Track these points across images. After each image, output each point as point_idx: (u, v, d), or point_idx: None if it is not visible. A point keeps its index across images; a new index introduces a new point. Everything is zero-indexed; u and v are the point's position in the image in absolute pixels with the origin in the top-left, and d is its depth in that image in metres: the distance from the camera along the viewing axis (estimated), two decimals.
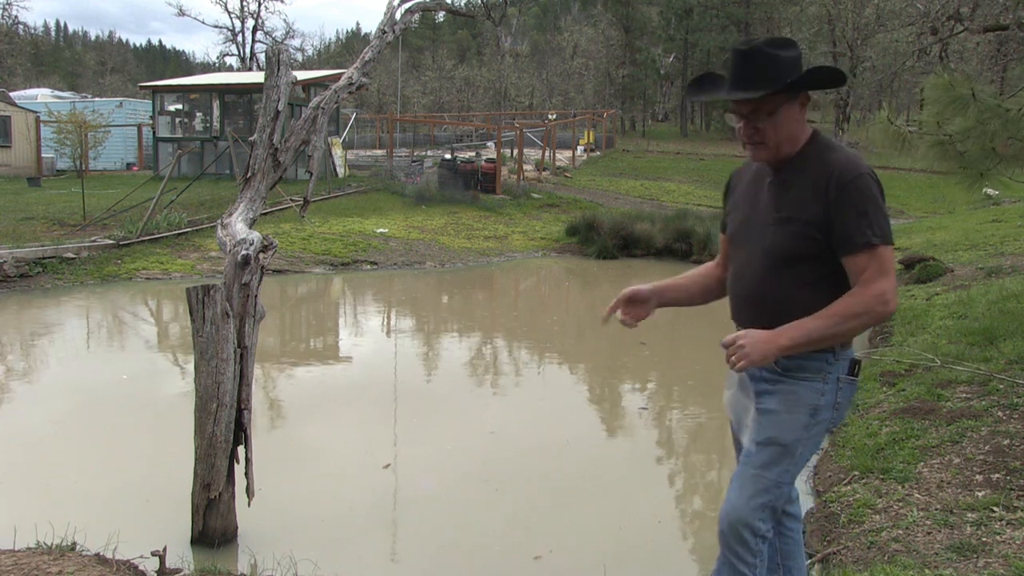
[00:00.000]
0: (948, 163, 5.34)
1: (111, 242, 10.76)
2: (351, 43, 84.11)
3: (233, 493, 3.42)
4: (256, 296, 3.40)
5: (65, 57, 77.86)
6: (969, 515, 3.23)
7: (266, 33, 42.47)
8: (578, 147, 27.94)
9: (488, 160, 19.39)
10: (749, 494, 2.11)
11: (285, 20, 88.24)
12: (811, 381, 2.09)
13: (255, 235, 3.42)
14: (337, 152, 19.50)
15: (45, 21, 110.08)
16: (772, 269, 2.11)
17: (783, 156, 2.10)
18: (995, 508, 3.24)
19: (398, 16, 4.98)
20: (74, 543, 3.07)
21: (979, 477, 3.56)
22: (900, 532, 3.19)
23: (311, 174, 4.25)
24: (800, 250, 2.06)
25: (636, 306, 2.35)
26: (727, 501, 2.16)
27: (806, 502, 3.93)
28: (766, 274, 2.13)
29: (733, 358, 2.01)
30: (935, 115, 5.06)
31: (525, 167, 21.11)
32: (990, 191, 17.54)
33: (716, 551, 3.56)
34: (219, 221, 3.62)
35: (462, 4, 49.01)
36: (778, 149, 2.08)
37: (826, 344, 2.06)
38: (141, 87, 25.18)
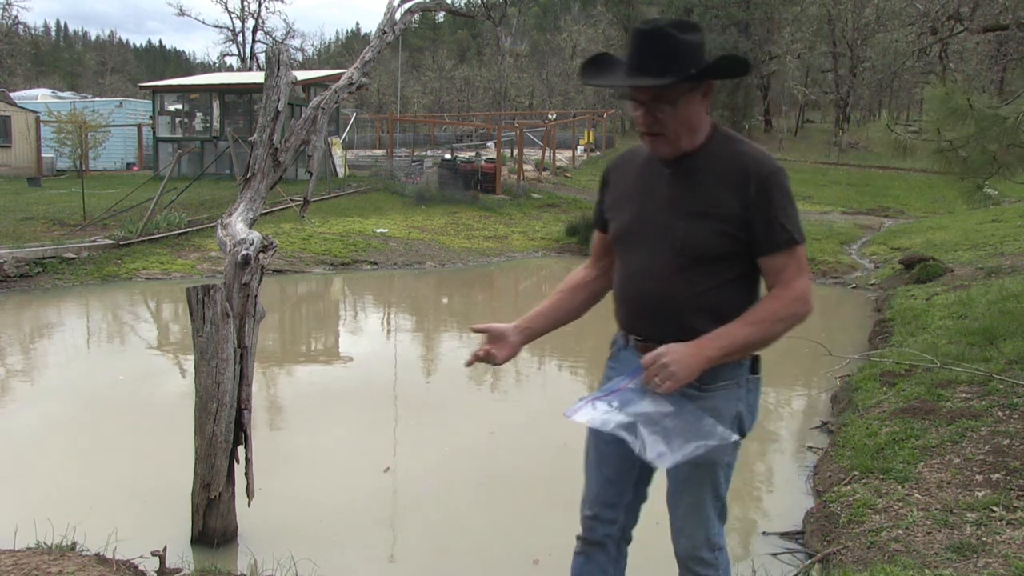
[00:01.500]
0: (950, 169, 5.37)
1: (111, 242, 10.76)
2: (351, 43, 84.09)
3: (233, 493, 3.42)
4: (256, 296, 3.40)
5: (65, 57, 77.85)
6: (969, 515, 3.23)
7: (266, 33, 42.49)
8: (578, 147, 27.94)
9: (488, 160, 19.39)
10: (696, 519, 2.05)
11: (285, 20, 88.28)
12: (728, 389, 1.97)
13: (255, 235, 3.42)
14: (337, 152, 19.50)
15: (45, 21, 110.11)
16: (683, 268, 1.93)
17: (683, 149, 1.94)
18: (995, 508, 3.24)
19: (398, 16, 4.98)
20: (74, 543, 3.07)
21: (979, 477, 3.56)
22: (900, 532, 3.19)
23: (311, 174, 4.25)
24: (716, 248, 1.91)
25: (497, 343, 2.12)
26: (676, 530, 2.09)
27: (806, 502, 3.94)
28: (676, 273, 1.94)
29: (657, 379, 1.84)
30: (934, 123, 5.08)
31: (525, 167, 21.10)
32: (990, 191, 17.53)
33: None
34: (219, 221, 3.62)
35: (462, 4, 49.02)
36: (678, 141, 1.92)
37: (751, 352, 1.95)
38: (141, 87, 25.19)
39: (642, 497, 2.21)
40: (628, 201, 2.06)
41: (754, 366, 2.01)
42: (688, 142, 1.94)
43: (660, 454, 1.85)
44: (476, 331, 2.14)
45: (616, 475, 2.14)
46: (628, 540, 2.24)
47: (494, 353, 2.11)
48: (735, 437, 1.91)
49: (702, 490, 2.02)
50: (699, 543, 2.05)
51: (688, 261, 1.93)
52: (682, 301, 1.95)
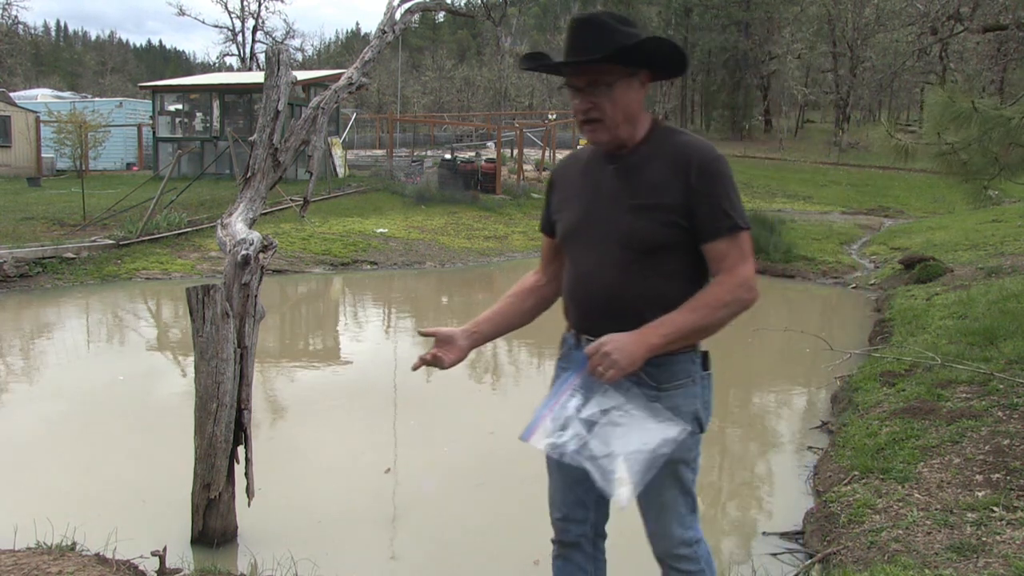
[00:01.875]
0: (952, 171, 5.37)
1: (111, 242, 10.76)
2: (351, 43, 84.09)
3: (233, 493, 3.42)
4: (256, 296, 3.40)
5: (65, 57, 77.86)
6: (969, 515, 3.23)
7: (266, 33, 42.47)
8: (578, 147, 27.93)
9: (488, 160, 19.39)
10: (668, 519, 2.03)
11: (285, 20, 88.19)
12: (685, 387, 1.97)
13: (255, 235, 3.42)
14: (337, 152, 19.50)
15: (45, 21, 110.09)
16: (632, 261, 1.93)
17: (622, 139, 1.95)
18: (995, 508, 3.24)
19: (398, 16, 4.98)
20: (74, 543, 3.07)
21: (979, 477, 3.56)
22: (900, 532, 3.19)
23: (311, 174, 4.24)
24: (663, 238, 1.91)
25: (445, 346, 2.11)
26: (650, 533, 2.07)
27: (806, 502, 3.93)
28: (625, 267, 1.94)
29: (600, 368, 1.83)
30: (935, 127, 5.08)
31: (525, 167, 21.11)
32: (991, 191, 17.55)
33: (714, 555, 3.56)
34: (219, 221, 3.62)
35: (462, 4, 48.99)
36: (616, 128, 1.92)
37: (696, 339, 1.94)
38: (141, 87, 25.18)
39: None
40: (574, 200, 2.06)
41: (705, 362, 2.02)
42: (627, 132, 1.95)
43: (620, 492, 1.86)
44: (424, 335, 2.14)
45: (581, 474, 2.09)
46: (603, 536, 2.23)
47: (441, 357, 2.10)
48: (689, 428, 1.91)
49: (670, 490, 2.01)
50: (675, 542, 2.04)
51: (636, 254, 1.93)
52: (633, 295, 1.94)
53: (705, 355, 2.03)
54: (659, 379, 1.94)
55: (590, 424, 1.90)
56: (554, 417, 1.97)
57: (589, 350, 1.87)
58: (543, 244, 2.27)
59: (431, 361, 2.10)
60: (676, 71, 1.99)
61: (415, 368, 2.12)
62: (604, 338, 1.86)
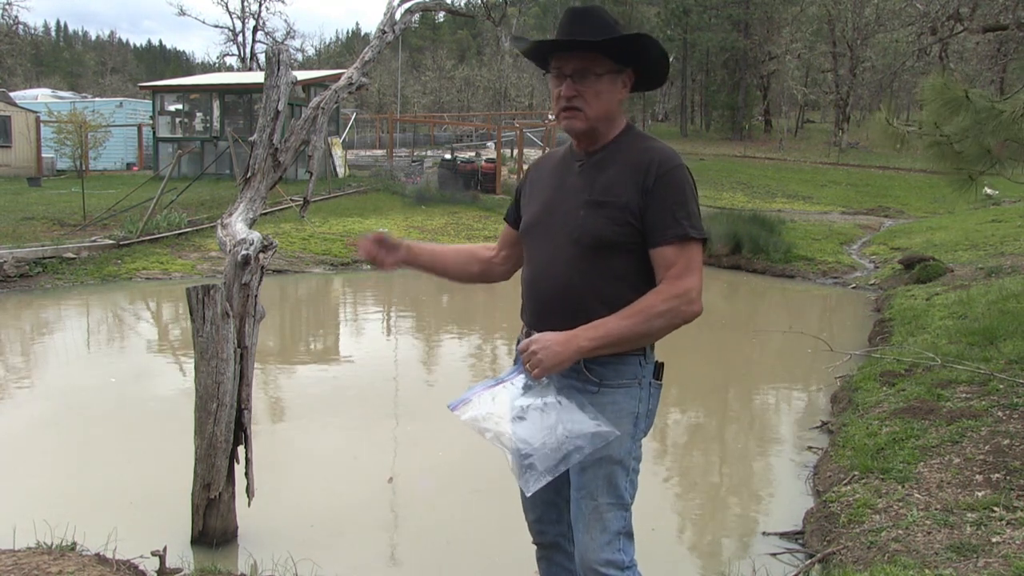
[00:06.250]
0: (945, 163, 5.34)
1: (111, 242, 10.76)
2: (351, 43, 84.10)
3: (233, 493, 3.42)
4: (256, 296, 3.40)
5: (65, 57, 77.86)
6: (969, 515, 3.23)
7: (266, 33, 42.44)
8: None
9: (488, 160, 19.40)
10: (598, 529, 1.93)
11: (285, 20, 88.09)
12: (629, 388, 1.93)
13: (255, 235, 3.42)
14: (337, 152, 19.51)
15: (45, 21, 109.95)
16: (581, 258, 1.91)
17: (597, 136, 1.95)
18: (995, 508, 3.24)
19: (398, 16, 4.97)
20: (74, 543, 3.07)
21: (979, 477, 3.56)
22: (900, 532, 3.19)
23: (311, 174, 4.24)
24: (614, 237, 1.88)
25: (384, 248, 2.16)
26: (576, 543, 1.98)
27: (806, 502, 3.94)
28: (575, 263, 1.91)
29: (527, 365, 1.83)
30: (933, 115, 5.06)
31: (525, 167, 21.10)
32: (989, 191, 17.55)
33: (711, 558, 3.56)
34: (219, 221, 3.62)
35: (462, 4, 48.97)
36: (594, 121, 1.92)
37: (630, 346, 1.89)
38: (141, 87, 25.20)
39: None
40: (539, 194, 2.07)
41: (657, 372, 2.00)
42: (604, 129, 1.96)
43: (528, 479, 1.86)
44: (374, 238, 2.18)
45: None
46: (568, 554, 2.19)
47: (383, 257, 2.16)
48: (616, 432, 1.86)
49: (607, 492, 1.94)
50: (599, 554, 1.92)
51: (585, 250, 1.91)
52: (581, 292, 1.92)
53: (659, 365, 2.00)
54: (603, 377, 1.93)
55: (520, 412, 1.90)
56: (484, 399, 1.98)
57: (521, 347, 1.88)
58: (503, 231, 2.26)
59: (374, 256, 2.16)
60: (657, 78, 2.00)
61: (354, 244, 2.18)
62: (535, 336, 1.86)
